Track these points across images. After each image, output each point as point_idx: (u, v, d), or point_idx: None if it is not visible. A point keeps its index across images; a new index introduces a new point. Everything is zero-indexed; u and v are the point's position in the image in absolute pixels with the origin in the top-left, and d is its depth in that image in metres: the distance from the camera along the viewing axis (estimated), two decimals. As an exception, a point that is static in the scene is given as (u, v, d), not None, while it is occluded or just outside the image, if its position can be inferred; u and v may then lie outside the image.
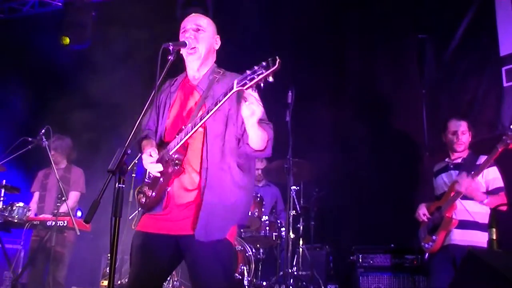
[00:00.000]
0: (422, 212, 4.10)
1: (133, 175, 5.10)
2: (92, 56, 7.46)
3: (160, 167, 2.43)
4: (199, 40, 2.59)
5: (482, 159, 3.88)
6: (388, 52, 6.18)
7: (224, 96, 2.25)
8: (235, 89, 2.19)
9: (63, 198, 4.68)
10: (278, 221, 5.29)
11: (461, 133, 4.04)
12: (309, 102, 6.05)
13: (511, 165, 4.06)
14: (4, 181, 5.01)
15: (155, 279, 2.47)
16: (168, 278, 4.81)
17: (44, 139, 4.87)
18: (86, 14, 7.68)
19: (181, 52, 2.59)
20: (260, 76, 2.10)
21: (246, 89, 2.16)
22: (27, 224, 4.70)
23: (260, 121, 2.40)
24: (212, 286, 2.37)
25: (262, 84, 2.13)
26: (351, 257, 5.07)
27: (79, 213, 5.50)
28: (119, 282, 4.94)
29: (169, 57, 2.38)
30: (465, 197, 3.85)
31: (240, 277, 4.77)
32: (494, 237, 2.67)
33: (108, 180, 2.01)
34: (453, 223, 3.82)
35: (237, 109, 2.47)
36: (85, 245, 5.86)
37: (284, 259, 4.87)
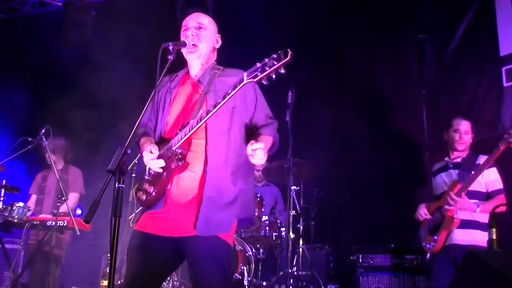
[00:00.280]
0: (423, 212, 4.09)
1: (133, 175, 5.10)
2: (92, 56, 7.46)
3: (162, 163, 2.42)
4: (200, 38, 2.60)
5: (482, 159, 3.87)
6: (388, 52, 6.18)
7: (234, 89, 2.24)
8: (245, 81, 2.18)
9: (63, 198, 4.67)
10: (278, 221, 5.29)
11: (464, 133, 4.03)
12: (309, 102, 6.05)
13: (511, 165, 4.06)
14: (4, 181, 5.01)
15: (153, 280, 2.45)
16: (168, 278, 4.81)
17: (44, 139, 4.86)
18: (86, 14, 7.69)
19: (181, 51, 2.59)
20: (272, 68, 2.10)
21: (257, 80, 2.16)
22: (27, 224, 4.69)
23: (264, 126, 2.53)
24: (209, 285, 2.36)
25: (274, 76, 2.13)
26: (351, 257, 5.06)
27: (78, 211, 5.50)
28: (119, 282, 4.93)
29: (169, 57, 2.38)
30: (466, 196, 3.85)
31: (240, 277, 4.77)
32: (494, 237, 2.66)
33: (108, 180, 2.01)
34: (455, 223, 3.81)
35: (245, 104, 2.53)
36: (85, 245, 5.86)
37: (284, 259, 4.87)
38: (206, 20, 2.67)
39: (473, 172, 3.77)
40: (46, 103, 7.68)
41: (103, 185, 1.99)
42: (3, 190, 4.96)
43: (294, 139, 4.72)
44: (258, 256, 5.17)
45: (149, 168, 2.52)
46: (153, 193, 2.46)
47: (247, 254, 4.92)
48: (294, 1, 6.76)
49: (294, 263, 5.26)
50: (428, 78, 5.85)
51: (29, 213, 4.79)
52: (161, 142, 2.57)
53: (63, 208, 4.78)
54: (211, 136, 2.46)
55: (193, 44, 2.56)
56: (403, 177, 5.59)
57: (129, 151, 2.10)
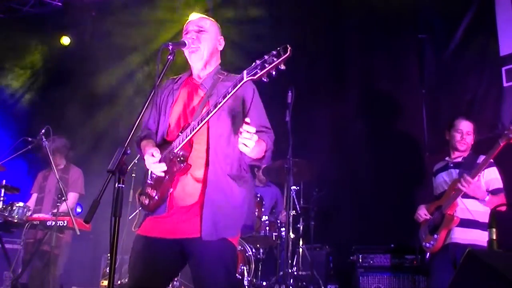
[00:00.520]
0: (423, 212, 4.10)
1: (133, 175, 5.10)
2: (92, 56, 7.47)
3: (164, 167, 2.40)
4: (201, 40, 2.59)
5: (483, 158, 3.87)
6: (388, 52, 6.18)
7: (233, 87, 2.22)
8: (245, 79, 2.16)
9: (63, 198, 4.67)
10: (278, 221, 5.29)
11: (466, 133, 4.04)
12: (309, 102, 6.05)
13: (511, 165, 4.06)
14: (4, 181, 5.00)
15: (157, 284, 2.43)
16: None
17: (44, 139, 4.86)
18: (86, 14, 7.69)
19: (185, 54, 2.59)
20: (272, 65, 2.08)
21: (257, 78, 2.12)
22: (27, 224, 4.69)
23: (258, 132, 2.36)
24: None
25: (274, 73, 2.10)
26: (351, 257, 5.06)
27: (78, 209, 5.50)
28: (119, 282, 4.94)
29: (169, 57, 2.37)
30: (466, 196, 3.85)
31: (240, 277, 4.77)
32: (494, 237, 2.66)
33: (107, 180, 2.00)
34: (455, 221, 3.82)
35: (242, 109, 2.48)
36: (85, 245, 5.86)
37: (284, 259, 4.87)
38: (207, 23, 2.66)
39: (473, 170, 3.76)
40: (46, 103, 7.69)
41: (103, 185, 1.99)
42: (3, 190, 4.95)
43: (294, 139, 4.72)
44: (258, 256, 5.17)
45: (151, 172, 2.51)
46: (156, 197, 2.44)
47: (247, 254, 4.92)
48: (294, 1, 6.76)
49: (294, 263, 5.26)
50: (428, 78, 5.85)
51: (29, 213, 4.79)
52: (163, 144, 2.56)
53: (63, 208, 4.78)
54: (212, 139, 2.45)
55: (193, 47, 2.56)
56: (403, 177, 5.58)
57: (129, 151, 2.10)
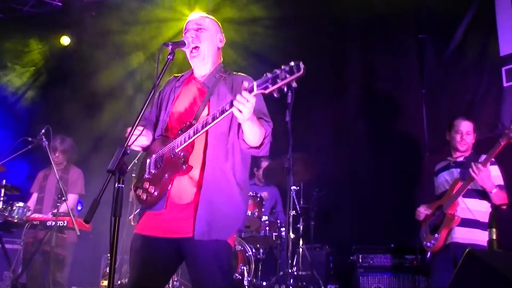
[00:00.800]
0: (422, 209, 4.10)
1: (133, 175, 5.10)
2: (91, 56, 7.47)
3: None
4: (200, 39, 2.58)
5: (484, 158, 3.87)
6: (388, 52, 6.18)
7: None
8: (255, 91, 2.12)
9: (63, 198, 4.67)
10: (278, 221, 5.29)
11: (466, 133, 4.03)
12: (310, 102, 6.05)
13: (511, 164, 4.06)
14: (4, 181, 5.00)
15: (156, 283, 2.44)
16: (168, 278, 4.81)
17: (44, 139, 4.86)
18: (86, 14, 7.70)
19: (186, 56, 2.59)
20: (284, 81, 2.04)
21: (268, 92, 2.09)
22: (27, 224, 4.68)
23: (259, 118, 2.36)
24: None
25: (285, 89, 2.08)
26: (351, 257, 5.06)
27: (79, 207, 5.49)
28: (119, 282, 4.94)
29: (169, 57, 2.36)
30: (467, 195, 3.86)
31: (240, 277, 4.77)
32: (494, 237, 2.66)
33: (107, 180, 2.00)
34: (456, 220, 3.82)
35: None
36: (85, 245, 5.86)
37: (284, 259, 4.87)
38: (206, 21, 2.66)
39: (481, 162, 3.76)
40: (46, 103, 7.69)
41: (103, 185, 1.98)
42: (3, 190, 4.95)
43: (294, 139, 4.71)
44: (258, 256, 5.17)
45: (150, 166, 2.51)
46: (155, 193, 2.43)
47: (247, 254, 4.92)
48: (294, 1, 6.76)
49: (294, 263, 5.26)
50: (428, 78, 5.85)
51: (29, 213, 4.78)
52: (162, 139, 2.56)
53: (63, 208, 4.78)
54: (210, 139, 2.44)
55: (194, 47, 2.55)
56: (403, 177, 5.59)
57: (129, 151, 2.10)
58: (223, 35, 2.72)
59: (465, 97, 5.45)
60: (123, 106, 7.19)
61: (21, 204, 4.76)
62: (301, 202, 5.63)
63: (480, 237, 3.75)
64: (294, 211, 5.14)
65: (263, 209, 5.26)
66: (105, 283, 5.23)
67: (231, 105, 2.19)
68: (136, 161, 5.11)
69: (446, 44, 5.67)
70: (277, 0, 6.85)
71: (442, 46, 5.72)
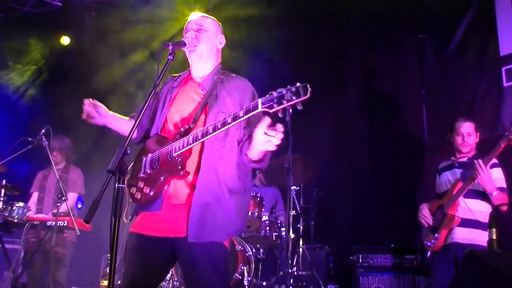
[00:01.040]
0: (426, 213, 4.09)
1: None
2: (91, 56, 7.47)
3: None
4: (200, 39, 2.58)
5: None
6: (388, 52, 6.18)
7: (246, 113, 2.16)
8: (259, 109, 2.11)
9: (63, 198, 4.67)
10: (278, 221, 5.29)
11: (468, 135, 4.02)
12: (309, 102, 6.03)
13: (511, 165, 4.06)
14: (4, 181, 5.00)
15: (150, 281, 2.44)
16: (168, 278, 4.81)
17: (44, 139, 4.86)
18: (86, 14, 7.70)
19: (185, 54, 2.59)
20: (290, 103, 2.04)
21: (273, 112, 2.08)
22: (27, 224, 4.69)
23: None
24: None
25: (290, 110, 2.08)
26: (351, 257, 5.06)
27: (79, 205, 5.49)
28: (119, 282, 4.93)
29: (169, 57, 2.36)
30: (468, 196, 3.86)
31: (240, 277, 4.77)
32: (494, 237, 2.67)
33: (107, 180, 2.00)
34: (455, 221, 3.83)
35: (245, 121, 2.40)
36: (85, 245, 5.86)
37: (284, 259, 4.88)
38: (206, 21, 2.65)
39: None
40: (46, 103, 7.69)
41: (103, 185, 1.98)
42: (3, 190, 4.95)
43: (294, 139, 4.72)
44: (258, 256, 5.17)
45: (145, 165, 2.50)
46: (150, 193, 2.42)
47: (247, 254, 4.92)
48: (294, 1, 6.76)
49: (294, 263, 5.26)
50: (428, 78, 5.85)
51: (29, 213, 4.79)
52: (158, 138, 2.56)
53: (63, 208, 4.78)
54: (207, 143, 2.42)
55: (192, 47, 2.56)
56: (403, 177, 5.59)
57: (129, 151, 2.09)
58: (224, 36, 2.72)
59: (465, 97, 5.45)
60: (123, 105, 7.18)
61: (21, 204, 4.76)
62: (301, 202, 5.63)
63: (481, 237, 3.75)
64: (294, 211, 5.15)
65: (263, 209, 5.26)
66: (105, 283, 5.24)
67: (234, 118, 2.19)
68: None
69: (446, 44, 5.67)
70: (277, 0, 6.85)
71: (442, 46, 5.72)
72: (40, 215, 5.04)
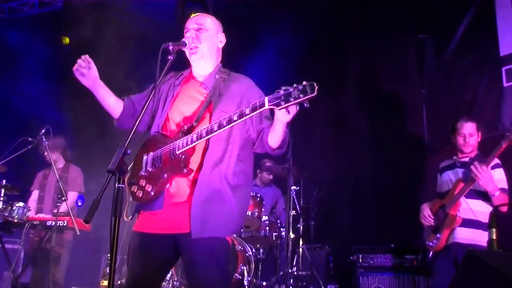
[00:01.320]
0: (427, 213, 4.08)
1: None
2: (92, 56, 7.45)
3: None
4: (200, 39, 2.58)
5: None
6: (388, 52, 6.18)
7: (252, 111, 2.20)
8: (266, 106, 2.15)
9: (63, 198, 4.67)
10: (278, 221, 5.29)
11: (469, 135, 4.01)
12: (309, 102, 6.04)
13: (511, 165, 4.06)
14: (4, 181, 5.00)
15: (153, 280, 2.45)
16: (168, 278, 4.82)
17: (44, 139, 4.86)
18: (86, 14, 7.70)
19: (184, 50, 2.59)
20: (297, 101, 2.08)
21: (280, 109, 2.13)
22: (27, 224, 4.69)
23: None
24: (208, 286, 2.35)
25: (297, 108, 2.12)
26: (351, 257, 5.06)
27: (79, 202, 5.49)
28: (119, 282, 4.94)
29: (169, 57, 2.36)
30: (469, 196, 3.85)
31: (240, 277, 4.77)
32: (494, 237, 2.67)
33: (108, 180, 2.00)
34: (457, 221, 3.82)
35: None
36: (85, 245, 5.86)
37: (284, 259, 4.88)
38: (207, 21, 2.65)
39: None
40: (46, 103, 7.69)
41: (103, 185, 1.98)
42: (3, 190, 4.95)
43: (294, 139, 4.72)
44: (258, 256, 5.17)
45: (147, 164, 2.50)
46: (152, 192, 2.42)
47: (247, 254, 4.92)
48: (294, 0, 6.76)
49: (294, 263, 5.26)
50: (428, 78, 5.86)
51: (29, 213, 4.78)
52: (159, 137, 2.55)
53: (63, 208, 4.78)
54: (211, 141, 2.43)
55: (193, 47, 2.55)
56: (403, 177, 5.59)
57: (129, 151, 2.09)
58: (224, 34, 2.72)
59: (465, 97, 5.45)
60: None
61: (21, 204, 4.75)
62: (301, 202, 5.63)
63: (482, 238, 3.74)
64: (294, 211, 5.15)
65: (263, 209, 5.26)
66: (105, 283, 5.24)
67: (240, 116, 2.22)
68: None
69: (446, 44, 5.67)
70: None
71: (442, 46, 5.72)
72: (41, 215, 5.04)
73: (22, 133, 5.08)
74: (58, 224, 4.60)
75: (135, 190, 2.48)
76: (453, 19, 5.64)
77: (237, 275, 4.75)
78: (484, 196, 3.85)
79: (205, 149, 2.44)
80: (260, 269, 5.16)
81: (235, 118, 2.24)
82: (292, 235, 4.90)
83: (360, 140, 6.17)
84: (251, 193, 5.06)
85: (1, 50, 7.90)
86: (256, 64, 6.35)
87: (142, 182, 2.46)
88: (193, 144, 2.35)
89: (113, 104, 2.76)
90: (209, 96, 2.53)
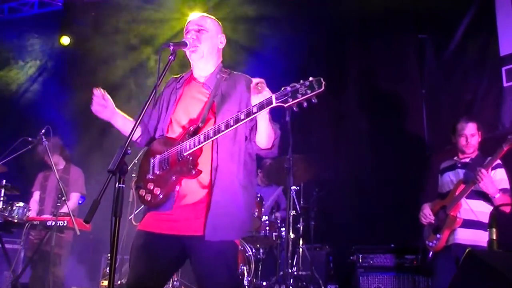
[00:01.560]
0: (427, 212, 4.08)
1: (133, 175, 5.10)
2: (92, 56, 7.48)
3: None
4: (201, 40, 2.58)
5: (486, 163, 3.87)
6: (388, 52, 6.18)
7: (259, 109, 2.20)
8: (274, 104, 2.14)
9: (63, 198, 4.67)
10: (278, 221, 5.29)
11: (470, 136, 4.01)
12: (309, 102, 6.04)
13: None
14: (4, 181, 5.00)
15: (156, 280, 2.42)
16: (168, 278, 4.81)
17: (44, 139, 4.86)
18: (86, 14, 7.70)
19: (186, 55, 2.59)
20: (304, 97, 2.08)
21: (287, 106, 2.12)
22: (27, 224, 4.68)
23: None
24: (218, 287, 2.35)
25: (305, 104, 2.11)
26: (351, 257, 5.06)
27: (80, 201, 5.49)
28: (119, 282, 4.93)
29: (170, 57, 2.36)
30: (470, 196, 3.85)
31: (240, 277, 4.77)
32: (494, 237, 2.67)
33: (108, 180, 2.00)
34: (458, 222, 3.83)
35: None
36: (85, 245, 5.86)
37: (284, 259, 4.87)
38: (207, 22, 2.65)
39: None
40: (46, 103, 7.70)
41: (104, 185, 1.98)
42: (3, 190, 4.95)
43: (294, 138, 4.72)
44: (258, 256, 5.17)
45: (154, 166, 2.49)
46: (160, 195, 2.40)
47: (247, 254, 4.93)
48: (294, 1, 6.76)
49: (294, 263, 5.26)
50: (428, 78, 5.86)
51: (29, 213, 4.78)
52: (164, 140, 2.55)
53: (63, 209, 4.78)
54: (220, 141, 2.43)
55: (193, 47, 2.56)
56: (403, 177, 5.59)
57: (129, 151, 2.09)
58: (224, 35, 2.72)
59: (465, 97, 5.45)
60: (123, 105, 7.19)
61: (21, 204, 4.75)
62: (301, 202, 5.63)
63: (483, 238, 3.73)
64: (294, 211, 5.14)
65: (263, 209, 5.26)
66: (105, 283, 5.23)
67: (247, 115, 2.22)
68: (136, 161, 5.11)
69: (446, 44, 5.67)
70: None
71: (442, 46, 5.72)
72: (43, 215, 5.04)
73: (22, 133, 5.08)
74: (58, 224, 4.59)
75: (143, 194, 2.47)
76: (453, 19, 5.64)
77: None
78: (485, 196, 3.85)
79: (213, 149, 2.43)
80: (260, 269, 5.16)
81: (242, 117, 2.24)
82: (292, 235, 4.89)
83: (360, 140, 6.17)
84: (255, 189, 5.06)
85: (1, 50, 7.90)
86: (255, 64, 6.36)
87: (150, 186, 2.45)
88: (201, 145, 2.35)
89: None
90: (212, 96, 2.53)
